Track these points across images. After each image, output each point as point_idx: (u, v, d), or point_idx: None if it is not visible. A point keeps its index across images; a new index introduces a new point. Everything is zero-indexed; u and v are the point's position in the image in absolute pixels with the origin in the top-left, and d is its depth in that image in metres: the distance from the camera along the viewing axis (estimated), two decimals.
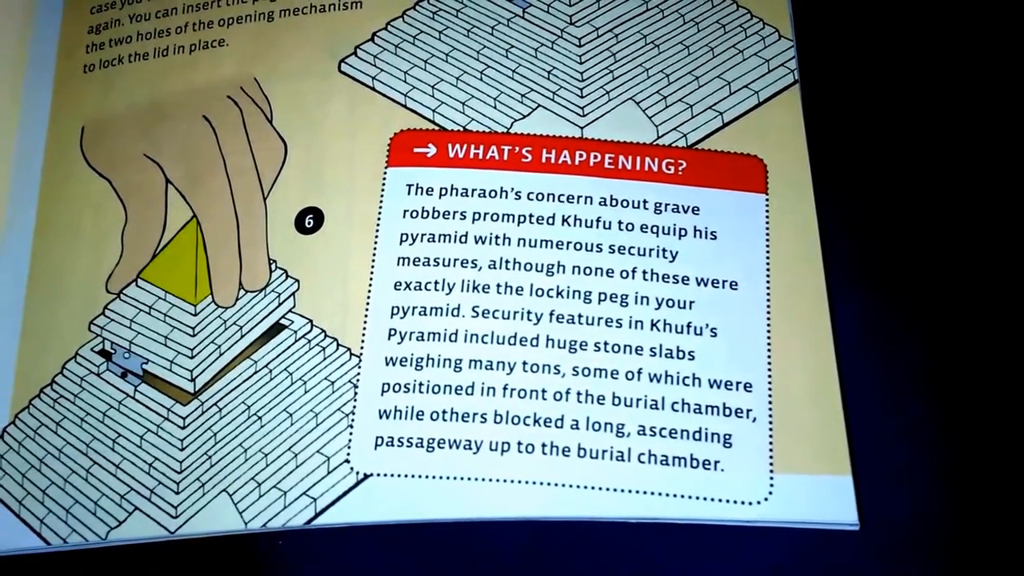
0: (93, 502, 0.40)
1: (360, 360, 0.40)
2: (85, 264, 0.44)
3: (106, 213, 0.44)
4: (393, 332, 0.40)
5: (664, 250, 0.41)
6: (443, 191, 0.42)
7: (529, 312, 0.40)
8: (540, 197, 0.42)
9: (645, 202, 0.42)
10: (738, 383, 0.39)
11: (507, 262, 0.41)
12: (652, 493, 0.38)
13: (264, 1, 0.47)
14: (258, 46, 0.46)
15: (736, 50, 0.44)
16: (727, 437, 0.38)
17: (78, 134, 0.46)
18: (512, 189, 0.42)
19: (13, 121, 0.47)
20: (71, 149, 0.46)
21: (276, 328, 0.41)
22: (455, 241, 0.41)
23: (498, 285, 0.40)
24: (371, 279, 0.41)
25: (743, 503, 0.37)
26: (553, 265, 0.41)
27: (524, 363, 0.39)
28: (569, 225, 0.41)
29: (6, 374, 0.43)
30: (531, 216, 0.41)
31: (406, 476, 0.38)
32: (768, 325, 0.40)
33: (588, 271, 0.41)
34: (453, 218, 0.42)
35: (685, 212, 0.42)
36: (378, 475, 0.38)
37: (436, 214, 0.42)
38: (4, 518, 0.41)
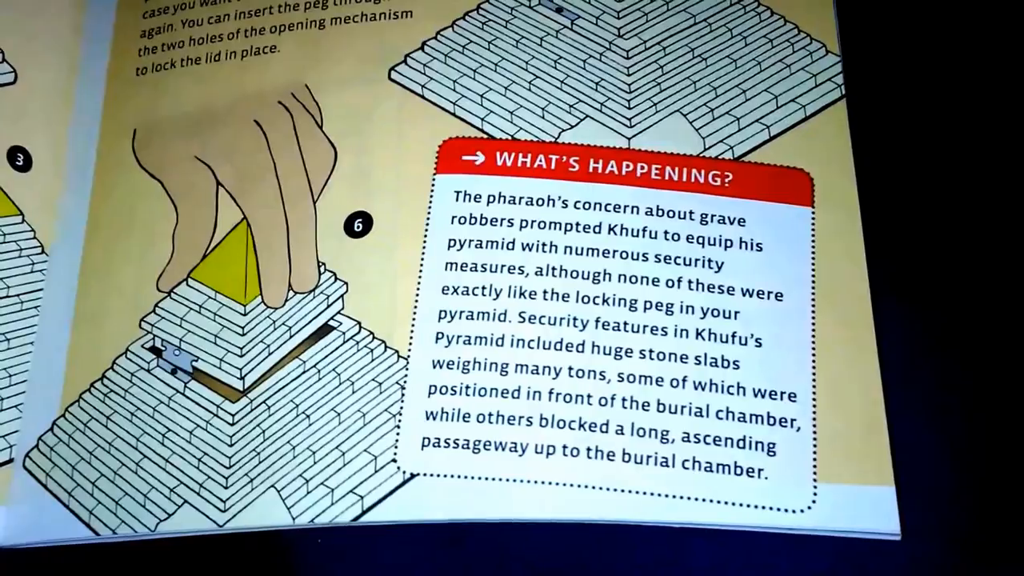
0: (143, 494, 0.41)
1: (407, 362, 0.40)
2: (136, 262, 0.44)
3: (157, 213, 0.45)
4: (440, 335, 0.41)
5: (710, 260, 0.41)
6: (491, 198, 0.42)
7: (575, 318, 0.40)
8: (587, 206, 0.42)
9: (691, 213, 0.42)
10: (782, 393, 0.39)
11: (554, 269, 0.41)
12: (696, 499, 0.38)
13: (315, 9, 0.48)
14: (309, 53, 0.47)
15: (783, 64, 0.45)
16: (771, 446, 0.38)
17: (130, 135, 0.47)
18: (559, 198, 0.42)
19: (64, 122, 0.47)
20: (123, 150, 0.47)
21: (325, 329, 0.42)
22: (502, 248, 0.42)
23: (545, 291, 0.41)
24: (419, 283, 0.41)
25: (786, 511, 0.38)
26: (599, 273, 0.41)
27: (570, 368, 0.40)
28: (615, 234, 0.42)
29: (57, 368, 0.43)
30: (578, 224, 0.42)
31: (452, 476, 0.39)
32: (813, 336, 0.40)
33: (634, 279, 0.41)
34: (501, 225, 0.42)
35: (731, 224, 0.42)
36: (424, 475, 0.39)
37: (484, 221, 0.42)
38: (53, 509, 0.41)
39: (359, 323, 0.41)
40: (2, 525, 0.42)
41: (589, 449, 0.39)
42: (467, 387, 0.40)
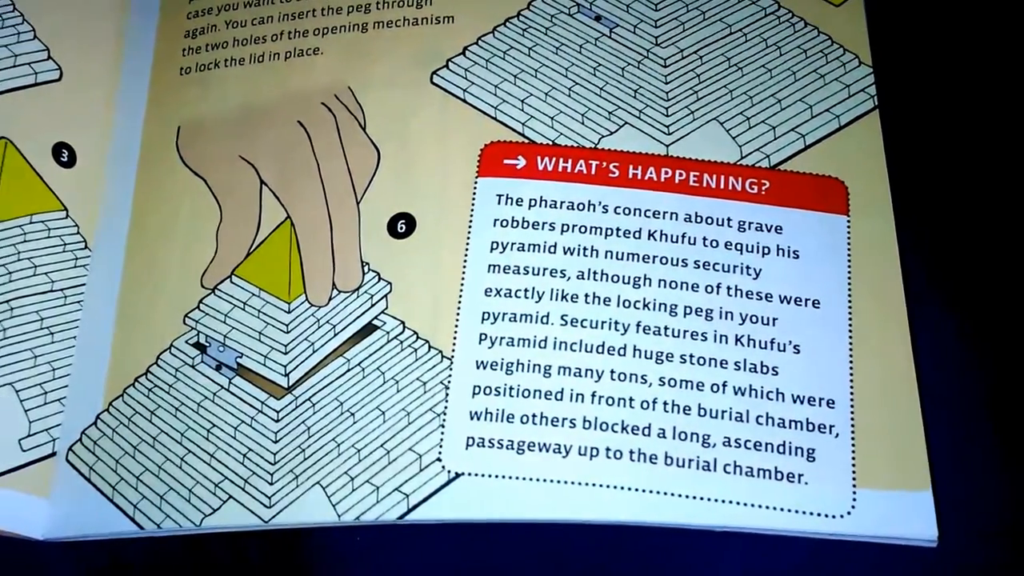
0: (187, 489, 0.41)
1: (451, 362, 0.41)
2: (180, 259, 0.45)
3: (201, 210, 0.46)
4: (484, 336, 0.41)
5: (748, 267, 0.42)
6: (532, 202, 0.43)
7: (616, 322, 0.41)
8: (627, 212, 0.43)
9: (729, 220, 0.43)
10: (820, 399, 0.40)
11: (595, 273, 0.42)
12: (737, 503, 0.39)
13: (358, 13, 0.48)
14: (352, 56, 0.47)
15: (817, 75, 0.46)
16: (810, 452, 0.39)
17: (174, 134, 0.47)
18: (600, 203, 0.43)
19: (108, 119, 0.48)
20: (167, 148, 0.47)
21: (369, 328, 0.42)
22: (544, 251, 0.42)
23: (586, 295, 0.42)
24: (462, 285, 0.42)
25: (826, 516, 0.38)
26: (639, 278, 0.42)
27: (612, 371, 0.40)
28: (655, 240, 0.42)
29: (100, 363, 0.44)
30: (618, 230, 0.43)
31: (496, 476, 0.39)
32: (850, 343, 0.41)
33: (674, 285, 0.42)
34: (542, 229, 0.43)
35: (768, 231, 0.43)
36: (469, 475, 0.39)
37: (526, 224, 0.43)
38: (97, 502, 0.42)
39: (403, 323, 0.42)
40: (45, 518, 0.42)
41: (632, 452, 0.39)
42: (511, 388, 0.40)
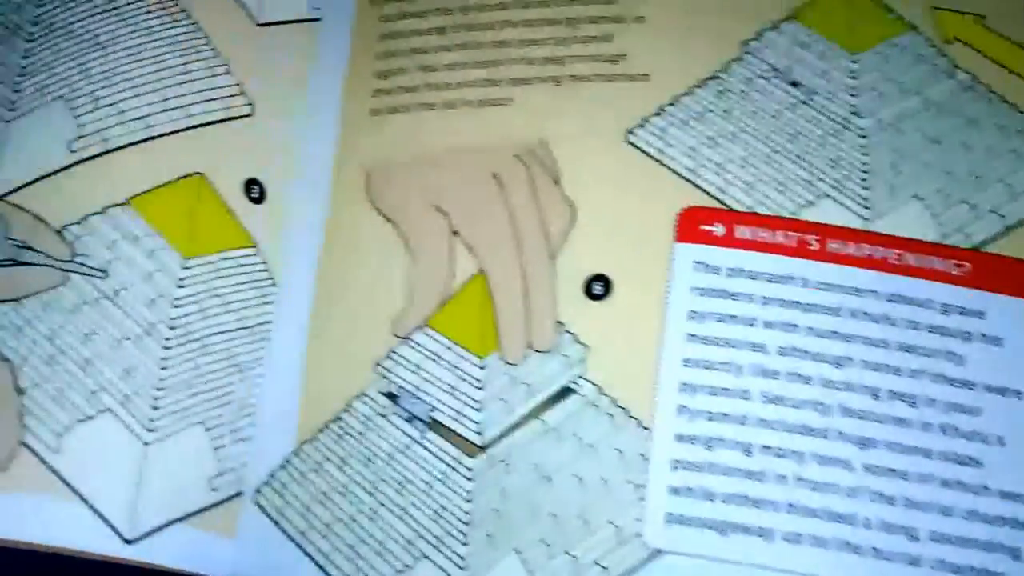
0: (379, 543, 0.41)
1: (650, 433, 0.41)
2: (369, 303, 0.45)
3: (391, 256, 0.46)
4: (683, 409, 0.41)
5: (951, 353, 0.41)
6: (731, 271, 0.43)
7: (818, 403, 0.41)
8: (828, 287, 0.42)
9: (931, 302, 0.42)
10: None
11: (796, 350, 0.41)
12: None
13: (553, 65, 0.48)
14: (546, 109, 0.47)
15: (1015, 154, 0.45)
16: (1015, 551, 0.38)
17: (364, 175, 0.47)
18: (800, 276, 0.42)
19: (297, 157, 0.48)
20: (356, 188, 0.47)
21: (565, 391, 0.42)
22: (744, 323, 0.42)
23: (787, 373, 0.41)
24: (661, 353, 0.42)
25: None
26: (841, 358, 0.41)
27: (815, 455, 0.40)
28: (857, 319, 0.42)
29: (290, 404, 0.44)
30: (819, 306, 0.42)
31: (699, 557, 0.39)
32: None
33: (876, 367, 0.41)
34: (742, 300, 0.42)
35: (971, 316, 0.42)
36: (670, 552, 0.39)
37: (725, 294, 0.42)
38: (286, 548, 0.42)
39: (600, 388, 0.42)
40: (232, 559, 0.42)
41: (837, 541, 0.39)
42: (711, 464, 0.40)
